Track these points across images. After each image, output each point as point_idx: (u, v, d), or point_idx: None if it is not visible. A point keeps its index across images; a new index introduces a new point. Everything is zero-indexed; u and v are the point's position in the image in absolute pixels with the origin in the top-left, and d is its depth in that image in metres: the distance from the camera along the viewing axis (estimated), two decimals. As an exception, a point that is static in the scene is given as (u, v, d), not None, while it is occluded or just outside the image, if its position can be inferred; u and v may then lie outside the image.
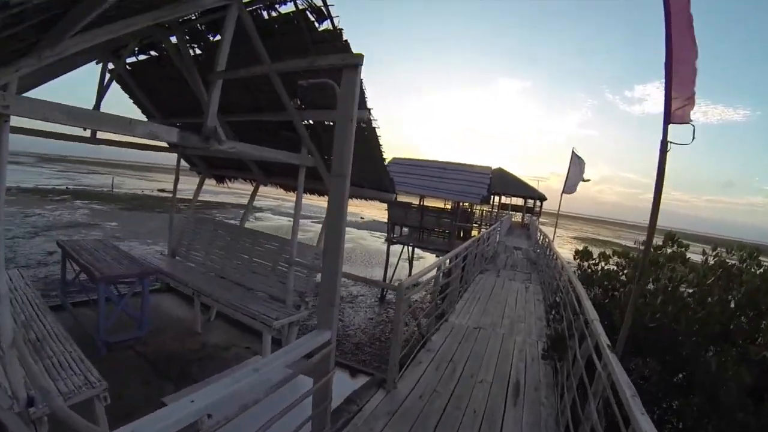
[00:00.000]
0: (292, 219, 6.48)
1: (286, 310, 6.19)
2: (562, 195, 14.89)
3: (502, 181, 36.19)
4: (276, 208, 56.28)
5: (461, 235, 22.18)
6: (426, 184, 18.92)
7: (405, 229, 20.27)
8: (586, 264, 6.67)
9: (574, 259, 7.06)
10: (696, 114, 3.24)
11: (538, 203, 38.92)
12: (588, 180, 15.52)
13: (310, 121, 5.96)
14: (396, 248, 20.73)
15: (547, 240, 13.90)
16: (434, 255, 19.54)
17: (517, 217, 41.12)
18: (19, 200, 32.06)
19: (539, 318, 8.22)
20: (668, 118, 3.11)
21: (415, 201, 20.37)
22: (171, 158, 8.61)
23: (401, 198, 20.73)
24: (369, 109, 5.02)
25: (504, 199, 39.59)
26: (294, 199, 6.56)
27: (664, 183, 3.06)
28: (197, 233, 8.88)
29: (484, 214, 34.14)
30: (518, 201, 40.60)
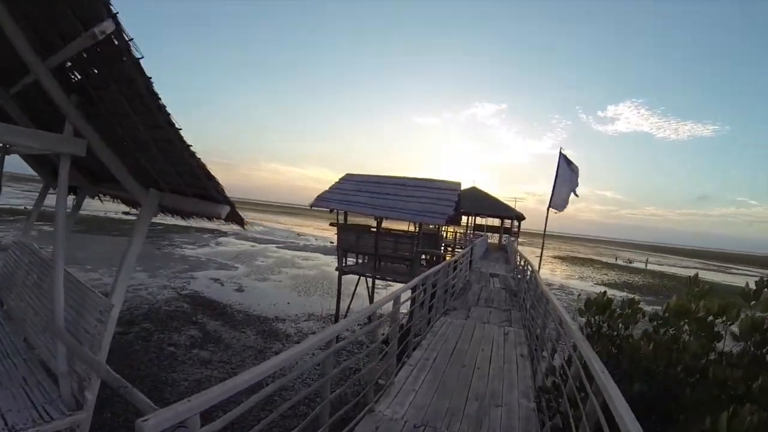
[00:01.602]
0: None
1: (52, 408, 3.56)
2: (548, 211, 11.87)
3: (477, 201, 33.63)
4: (241, 233, 54.00)
5: (434, 260, 19.24)
6: (381, 203, 15.83)
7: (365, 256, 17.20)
8: (600, 319, 3.82)
9: (581, 314, 4.20)
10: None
11: (515, 223, 36.34)
12: (577, 195, 12.51)
13: (77, 75, 3.19)
14: (354, 277, 17.74)
15: (529, 267, 10.98)
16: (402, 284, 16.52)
17: (494, 238, 38.44)
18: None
19: (524, 393, 5.24)
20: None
21: (376, 223, 17.35)
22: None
23: (354, 219, 17.68)
24: (113, 15, 2.24)
25: (479, 220, 36.98)
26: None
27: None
28: (18, 268, 6.05)
29: (457, 236, 31.38)
30: (495, 221, 38.02)
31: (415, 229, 17.49)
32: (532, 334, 7.56)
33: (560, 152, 11.79)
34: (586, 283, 37.70)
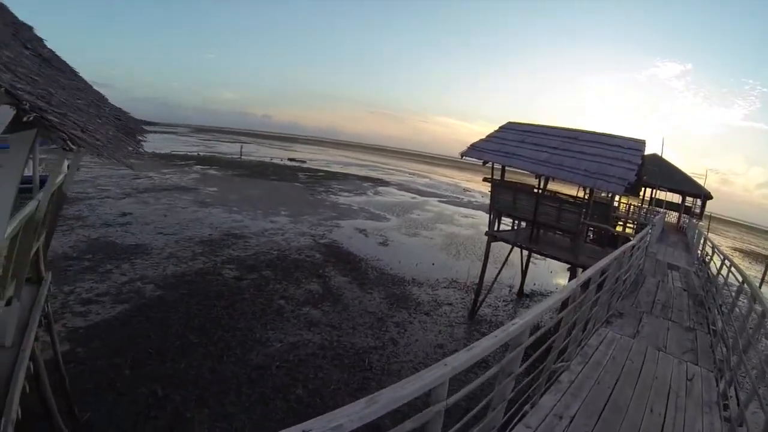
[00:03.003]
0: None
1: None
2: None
3: (658, 171, 28.69)
4: (404, 183, 54.31)
5: (602, 234, 16.41)
6: (546, 158, 12.99)
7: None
8: None
9: None
10: None
11: (698, 203, 30.61)
12: None
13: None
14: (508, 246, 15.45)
15: (733, 271, 8.16)
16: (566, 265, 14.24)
17: (670, 216, 32.97)
18: (144, 164, 32.74)
19: None
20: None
21: (538, 183, 14.76)
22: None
23: (512, 176, 15.11)
24: None
25: (658, 194, 31.72)
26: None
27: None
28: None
29: (631, 209, 27.26)
30: (673, 197, 32.34)
31: (584, 195, 14.72)
32: (732, 387, 5.20)
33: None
34: (769, 291, 31.02)
